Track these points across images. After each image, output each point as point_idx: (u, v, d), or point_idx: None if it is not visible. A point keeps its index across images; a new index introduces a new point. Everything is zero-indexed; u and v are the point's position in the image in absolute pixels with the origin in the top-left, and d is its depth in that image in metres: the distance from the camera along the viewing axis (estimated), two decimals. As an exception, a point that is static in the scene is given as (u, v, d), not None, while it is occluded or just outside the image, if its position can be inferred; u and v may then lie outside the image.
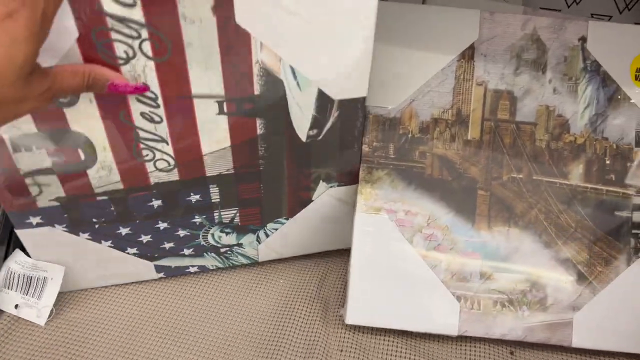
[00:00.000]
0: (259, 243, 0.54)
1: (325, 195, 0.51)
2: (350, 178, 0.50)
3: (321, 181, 0.50)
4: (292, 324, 0.50)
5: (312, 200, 0.51)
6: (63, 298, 0.52)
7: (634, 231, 0.48)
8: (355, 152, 0.49)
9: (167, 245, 0.51)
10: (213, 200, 0.48)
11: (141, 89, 0.38)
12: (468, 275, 0.47)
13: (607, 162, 0.48)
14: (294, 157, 0.47)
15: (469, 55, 0.49)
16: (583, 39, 0.49)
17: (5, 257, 0.50)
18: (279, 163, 0.47)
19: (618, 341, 0.46)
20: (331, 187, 0.51)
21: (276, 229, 0.53)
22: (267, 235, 0.53)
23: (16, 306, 0.49)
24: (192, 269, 0.54)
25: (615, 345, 0.46)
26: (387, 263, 0.47)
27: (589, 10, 0.58)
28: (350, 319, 0.47)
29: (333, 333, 0.49)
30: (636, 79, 0.49)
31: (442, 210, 0.48)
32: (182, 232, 0.50)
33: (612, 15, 0.58)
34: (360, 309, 0.47)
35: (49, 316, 0.49)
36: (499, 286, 0.47)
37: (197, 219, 0.49)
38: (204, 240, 0.52)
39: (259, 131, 0.44)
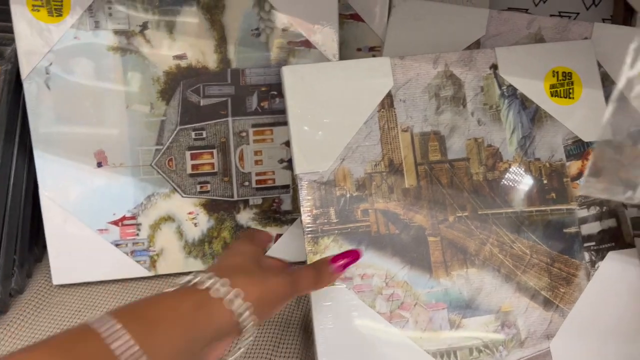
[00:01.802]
0: None
1: None
2: None
3: None
4: (291, 323, 0.51)
5: None
6: None
7: (585, 244, 0.47)
8: None
9: None
10: None
11: None
12: (438, 328, 0.45)
13: (545, 182, 0.48)
14: None
15: (388, 103, 0.49)
16: (494, 67, 0.50)
17: None
18: None
19: (597, 358, 0.46)
20: None
21: None
22: None
23: None
24: None
25: (596, 363, 0.46)
26: (354, 334, 0.45)
27: (556, 8, 0.57)
28: (328, 403, 0.44)
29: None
30: (552, 96, 0.49)
31: (397, 266, 0.46)
32: None
33: (579, 12, 0.57)
34: (337, 389, 0.44)
35: None
36: (471, 332, 0.45)
37: None
38: None
39: None
